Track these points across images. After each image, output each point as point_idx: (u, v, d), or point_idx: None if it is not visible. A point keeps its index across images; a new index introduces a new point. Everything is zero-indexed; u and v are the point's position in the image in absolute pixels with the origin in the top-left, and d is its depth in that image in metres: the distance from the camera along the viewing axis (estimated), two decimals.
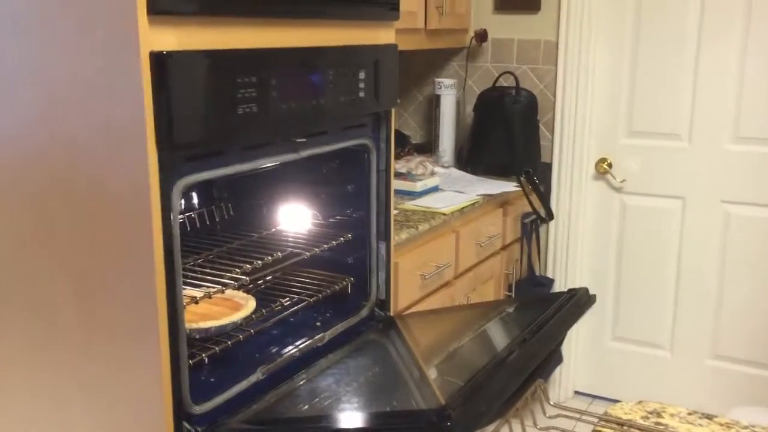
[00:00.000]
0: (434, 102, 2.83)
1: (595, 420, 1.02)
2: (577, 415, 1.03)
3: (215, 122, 1.11)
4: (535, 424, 1.05)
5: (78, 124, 1.08)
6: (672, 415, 1.00)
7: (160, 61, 1.01)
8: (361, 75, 1.42)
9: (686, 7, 2.57)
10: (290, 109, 1.24)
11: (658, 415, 1.00)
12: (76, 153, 1.10)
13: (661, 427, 0.98)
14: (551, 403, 1.08)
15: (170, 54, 1.03)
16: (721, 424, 1.01)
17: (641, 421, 0.99)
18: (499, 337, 1.64)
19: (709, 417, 1.02)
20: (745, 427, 1.02)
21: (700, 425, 0.99)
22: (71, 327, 1.17)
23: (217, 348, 1.30)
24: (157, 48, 1.01)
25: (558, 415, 1.08)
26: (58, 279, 1.16)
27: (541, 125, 2.82)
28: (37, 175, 1.14)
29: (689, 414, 1.00)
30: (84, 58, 1.05)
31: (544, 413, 1.12)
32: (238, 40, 1.15)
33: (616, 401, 1.08)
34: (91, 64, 1.05)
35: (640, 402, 1.03)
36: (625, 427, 0.99)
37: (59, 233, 1.14)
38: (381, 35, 1.50)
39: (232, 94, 1.13)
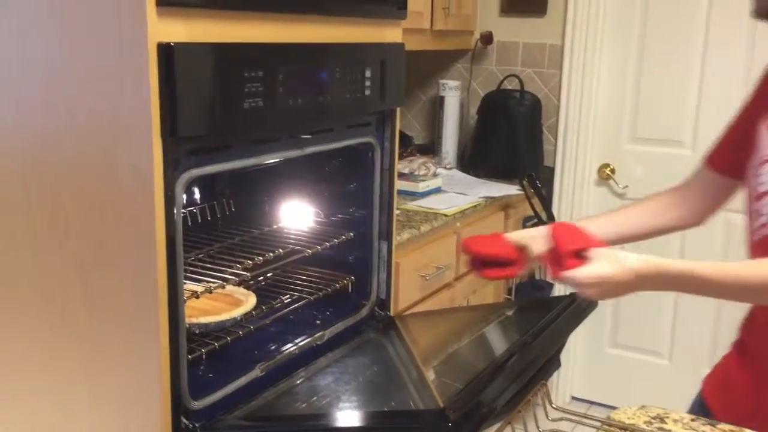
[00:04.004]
0: (438, 103, 2.83)
1: (598, 424, 1.01)
2: (580, 419, 1.03)
3: (221, 116, 1.10)
4: (537, 427, 1.05)
5: (85, 115, 1.08)
6: (675, 420, 0.99)
7: (167, 52, 1.00)
8: (368, 73, 1.41)
9: (693, 13, 2.56)
10: (296, 105, 1.23)
11: (661, 420, 0.99)
12: (84, 144, 1.09)
13: None
14: (554, 405, 1.07)
15: (178, 46, 1.02)
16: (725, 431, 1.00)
17: (644, 426, 0.99)
18: (498, 340, 1.63)
19: (713, 424, 1.02)
20: None
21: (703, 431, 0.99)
22: (78, 318, 1.16)
23: (216, 344, 1.29)
24: (165, 39, 1.00)
25: (561, 419, 1.07)
26: (66, 269, 1.16)
27: (544, 129, 2.82)
28: (47, 167, 1.13)
29: (692, 420, 0.99)
30: (91, 49, 1.04)
31: (547, 416, 1.12)
32: (246, 34, 1.15)
33: (613, 408, 1.06)
34: (98, 54, 1.04)
35: (642, 407, 1.02)
36: None
37: (69, 226, 1.13)
38: (388, 34, 1.49)
39: (239, 88, 1.12)
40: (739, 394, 1.25)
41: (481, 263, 1.24)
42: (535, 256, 1.22)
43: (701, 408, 1.23)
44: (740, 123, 1.32)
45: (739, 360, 1.29)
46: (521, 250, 1.24)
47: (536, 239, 1.23)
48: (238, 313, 1.36)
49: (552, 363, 1.35)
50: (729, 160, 1.32)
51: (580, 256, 1.07)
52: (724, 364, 1.33)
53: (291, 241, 1.65)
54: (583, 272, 1.05)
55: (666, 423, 0.99)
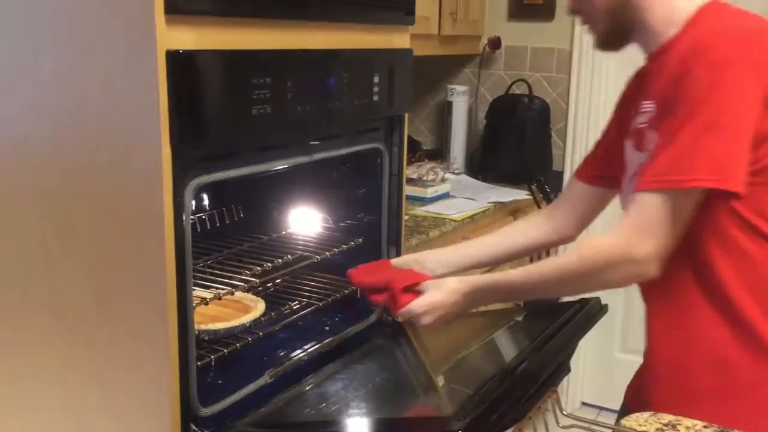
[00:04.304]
0: (446, 108, 2.83)
1: (609, 431, 1.01)
2: (592, 426, 1.02)
3: (229, 122, 1.10)
4: None
5: (94, 122, 1.08)
6: (688, 427, 0.98)
7: (176, 60, 1.01)
8: (376, 79, 1.41)
9: None
10: (304, 112, 1.23)
11: (674, 427, 0.98)
12: (93, 152, 1.09)
13: None
14: (565, 412, 1.07)
15: (186, 53, 1.02)
16: None
17: None
18: (508, 346, 1.62)
19: (725, 431, 1.01)
20: None
21: None
22: (88, 326, 1.17)
23: (225, 350, 1.29)
24: (174, 47, 1.01)
25: (572, 426, 1.06)
26: (76, 276, 1.16)
27: (553, 133, 2.81)
28: (57, 175, 1.14)
29: (705, 427, 0.98)
30: (101, 57, 1.05)
31: (558, 423, 1.11)
32: (254, 41, 1.15)
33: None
34: (107, 62, 1.04)
35: (654, 413, 1.01)
36: None
37: (79, 233, 1.14)
38: (396, 40, 1.49)
39: (247, 94, 1.12)
40: (647, 394, 1.28)
41: (371, 290, 1.31)
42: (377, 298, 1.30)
43: (623, 413, 1.23)
44: (607, 134, 1.33)
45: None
46: None
47: (418, 263, 1.31)
48: (247, 319, 1.36)
49: (562, 369, 1.34)
50: (597, 170, 1.35)
51: (411, 290, 1.19)
52: (639, 369, 1.37)
53: (299, 247, 1.65)
54: (416, 303, 1.16)
55: (678, 430, 0.98)
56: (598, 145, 1.37)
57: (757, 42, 1.00)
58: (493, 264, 1.38)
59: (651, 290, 1.20)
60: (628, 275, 1.07)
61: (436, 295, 1.16)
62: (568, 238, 1.39)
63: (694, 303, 1.13)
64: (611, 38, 1.19)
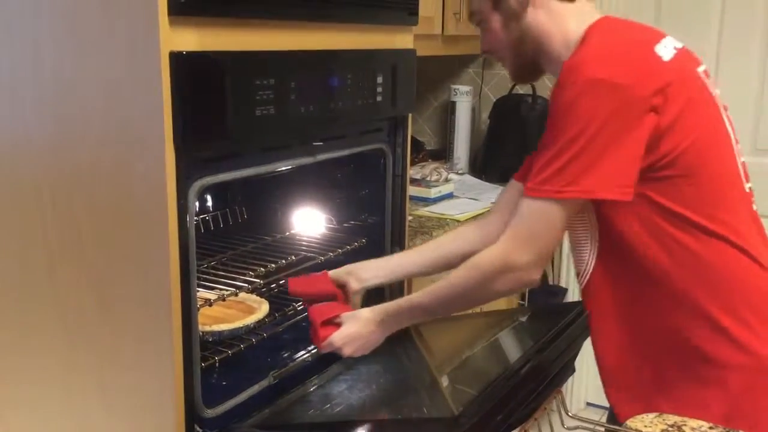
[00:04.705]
0: (449, 108, 2.82)
1: None
2: (597, 427, 1.02)
3: (233, 124, 1.10)
4: None
5: (98, 125, 1.08)
6: (693, 429, 0.98)
7: (179, 61, 1.00)
8: (379, 79, 1.41)
9: (707, 20, 2.55)
10: (307, 112, 1.23)
11: (679, 428, 0.98)
12: (97, 154, 1.09)
13: None
14: (570, 413, 1.06)
15: (190, 54, 1.02)
16: None
17: None
18: (512, 346, 1.62)
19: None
20: None
21: None
22: (92, 327, 1.17)
23: (229, 351, 1.29)
24: (177, 48, 1.01)
25: (577, 427, 1.06)
26: (80, 278, 1.16)
27: None
28: (60, 177, 1.14)
29: (711, 428, 0.98)
30: (104, 59, 1.05)
31: (563, 424, 1.11)
32: (257, 42, 1.15)
33: None
34: (111, 64, 1.04)
35: (660, 415, 1.01)
36: None
37: (83, 235, 1.14)
38: (399, 40, 1.49)
39: (250, 95, 1.12)
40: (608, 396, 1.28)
41: (309, 301, 1.35)
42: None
43: (611, 416, 1.23)
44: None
45: None
46: (342, 286, 1.35)
47: (351, 274, 1.35)
48: (251, 320, 1.36)
49: (567, 369, 1.34)
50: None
51: (332, 323, 1.25)
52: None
53: (303, 247, 1.65)
54: (336, 336, 1.22)
55: (683, 431, 0.98)
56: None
57: (622, 60, 1.07)
58: (423, 274, 1.41)
59: (597, 292, 1.20)
60: (513, 283, 1.13)
61: (353, 327, 1.22)
62: None
63: (642, 294, 1.14)
64: (522, 71, 1.27)
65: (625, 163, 1.05)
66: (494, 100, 2.82)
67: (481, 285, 1.14)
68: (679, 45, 1.18)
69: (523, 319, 1.74)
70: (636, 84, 1.04)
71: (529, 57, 1.21)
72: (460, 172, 2.76)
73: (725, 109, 1.22)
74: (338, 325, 1.24)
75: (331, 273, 1.37)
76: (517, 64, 1.24)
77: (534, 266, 1.10)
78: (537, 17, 1.18)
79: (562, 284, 2.84)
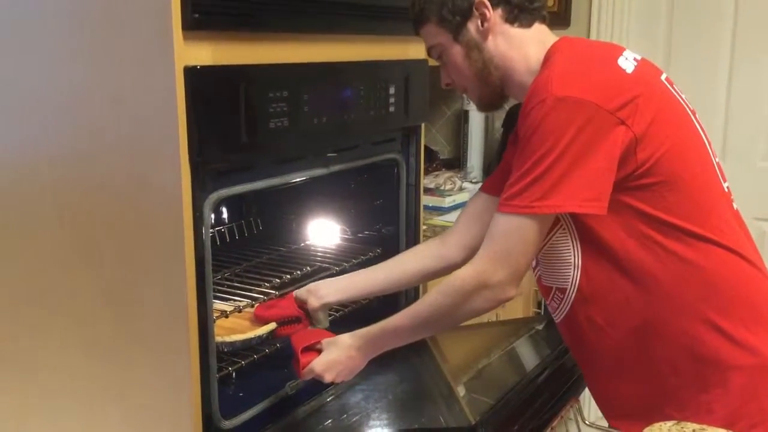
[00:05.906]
0: (463, 117, 2.83)
1: None
2: None
3: (247, 136, 1.11)
4: None
5: (113, 139, 1.09)
6: None
7: (194, 75, 1.02)
8: (392, 90, 1.42)
9: (720, 25, 2.53)
10: (321, 124, 1.24)
11: None
12: (113, 167, 1.11)
13: None
14: (587, 422, 1.06)
15: (204, 69, 1.03)
16: None
17: None
18: (529, 355, 1.62)
19: None
20: None
21: None
22: (109, 339, 1.18)
23: (243, 362, 1.30)
24: (192, 63, 1.02)
25: None
26: (97, 291, 1.17)
27: None
28: (76, 191, 1.15)
29: None
30: (119, 74, 1.06)
31: None
32: (270, 55, 1.16)
33: None
34: (126, 79, 1.06)
35: (678, 423, 1.00)
36: None
37: (100, 248, 1.15)
38: (411, 50, 1.50)
39: (264, 108, 1.13)
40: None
41: (279, 323, 1.36)
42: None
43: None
44: (508, 150, 1.35)
45: None
46: (303, 305, 1.36)
47: (311, 292, 1.36)
48: (263, 331, 1.36)
49: (583, 378, 1.33)
50: (502, 181, 1.34)
51: (312, 349, 1.25)
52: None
53: (318, 258, 1.66)
54: (316, 362, 1.22)
55: None
56: (504, 159, 1.39)
57: (586, 77, 1.08)
58: (383, 291, 1.41)
59: (588, 303, 1.19)
60: (489, 301, 1.12)
61: (332, 353, 1.23)
62: (454, 266, 1.37)
63: (633, 304, 1.13)
64: (488, 100, 1.26)
65: (594, 177, 1.05)
66: (507, 108, 2.82)
67: (458, 304, 1.14)
68: (638, 57, 1.19)
69: (540, 327, 1.73)
70: (601, 99, 1.05)
71: (497, 84, 1.22)
72: (473, 180, 2.76)
73: (693, 113, 1.22)
74: (319, 351, 1.24)
75: (295, 293, 1.38)
76: (485, 93, 1.24)
77: (508, 283, 1.10)
78: (497, 45, 1.18)
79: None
